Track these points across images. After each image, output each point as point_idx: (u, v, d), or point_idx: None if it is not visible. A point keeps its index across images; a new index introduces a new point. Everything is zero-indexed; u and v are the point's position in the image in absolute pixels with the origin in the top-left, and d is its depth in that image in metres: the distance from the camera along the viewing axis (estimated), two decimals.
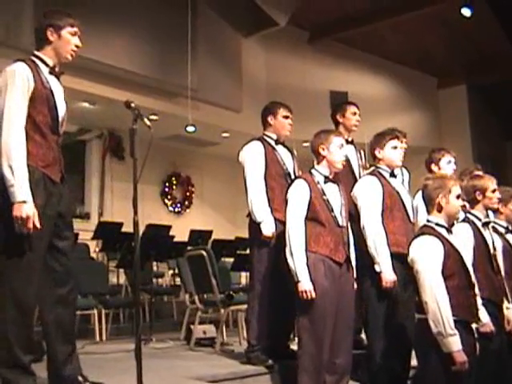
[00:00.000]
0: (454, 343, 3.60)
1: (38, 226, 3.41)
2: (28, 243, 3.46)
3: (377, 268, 4.47)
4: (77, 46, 3.76)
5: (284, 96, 7.56)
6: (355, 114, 5.60)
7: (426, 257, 3.76)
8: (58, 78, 3.79)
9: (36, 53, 3.72)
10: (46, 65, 3.70)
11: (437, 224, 3.93)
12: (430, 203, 4.01)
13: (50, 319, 3.68)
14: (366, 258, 4.55)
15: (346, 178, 5.00)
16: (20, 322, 3.47)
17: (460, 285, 3.79)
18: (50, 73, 3.70)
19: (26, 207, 3.36)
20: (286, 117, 5.18)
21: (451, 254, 3.80)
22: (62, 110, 3.74)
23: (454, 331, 3.60)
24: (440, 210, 3.95)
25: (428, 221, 3.99)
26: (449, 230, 3.95)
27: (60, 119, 3.72)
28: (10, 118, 3.44)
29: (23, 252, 3.45)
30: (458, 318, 3.67)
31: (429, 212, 4.03)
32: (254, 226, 4.91)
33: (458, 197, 3.95)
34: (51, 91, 3.65)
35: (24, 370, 3.48)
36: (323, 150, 4.47)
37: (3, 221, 3.45)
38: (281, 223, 4.76)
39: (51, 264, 3.66)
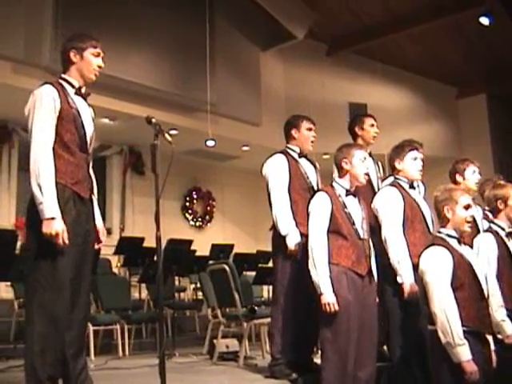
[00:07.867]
0: (463, 353, 3.60)
1: (67, 241, 3.49)
2: (57, 259, 3.53)
3: (399, 279, 4.42)
4: (99, 67, 3.88)
5: (303, 109, 7.56)
6: (373, 125, 5.59)
7: (435, 268, 3.78)
8: (85, 99, 3.92)
9: (63, 75, 3.86)
10: (72, 86, 3.83)
11: (448, 235, 3.93)
12: (439, 215, 4.04)
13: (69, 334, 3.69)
14: (387, 270, 4.51)
15: (364, 190, 4.97)
16: (48, 338, 3.51)
17: (470, 295, 3.78)
18: (76, 93, 3.84)
19: (55, 224, 3.46)
20: (310, 129, 5.16)
21: (461, 265, 3.80)
22: (89, 129, 3.87)
23: (462, 341, 3.60)
24: (447, 221, 3.96)
25: (439, 232, 4.01)
26: (460, 241, 3.94)
27: (88, 138, 3.85)
28: (38, 138, 3.57)
29: (53, 268, 3.53)
30: (468, 329, 3.67)
31: (441, 224, 4.04)
32: (279, 239, 4.90)
33: (466, 207, 3.94)
34: (77, 111, 3.78)
35: None
36: (346, 163, 4.46)
37: (33, 237, 3.57)
38: (305, 236, 4.76)
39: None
